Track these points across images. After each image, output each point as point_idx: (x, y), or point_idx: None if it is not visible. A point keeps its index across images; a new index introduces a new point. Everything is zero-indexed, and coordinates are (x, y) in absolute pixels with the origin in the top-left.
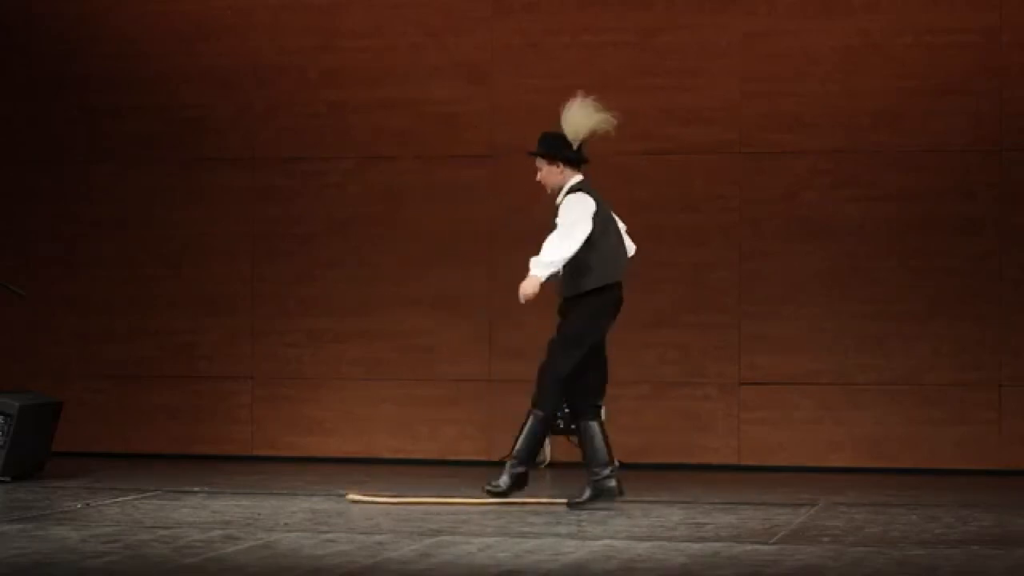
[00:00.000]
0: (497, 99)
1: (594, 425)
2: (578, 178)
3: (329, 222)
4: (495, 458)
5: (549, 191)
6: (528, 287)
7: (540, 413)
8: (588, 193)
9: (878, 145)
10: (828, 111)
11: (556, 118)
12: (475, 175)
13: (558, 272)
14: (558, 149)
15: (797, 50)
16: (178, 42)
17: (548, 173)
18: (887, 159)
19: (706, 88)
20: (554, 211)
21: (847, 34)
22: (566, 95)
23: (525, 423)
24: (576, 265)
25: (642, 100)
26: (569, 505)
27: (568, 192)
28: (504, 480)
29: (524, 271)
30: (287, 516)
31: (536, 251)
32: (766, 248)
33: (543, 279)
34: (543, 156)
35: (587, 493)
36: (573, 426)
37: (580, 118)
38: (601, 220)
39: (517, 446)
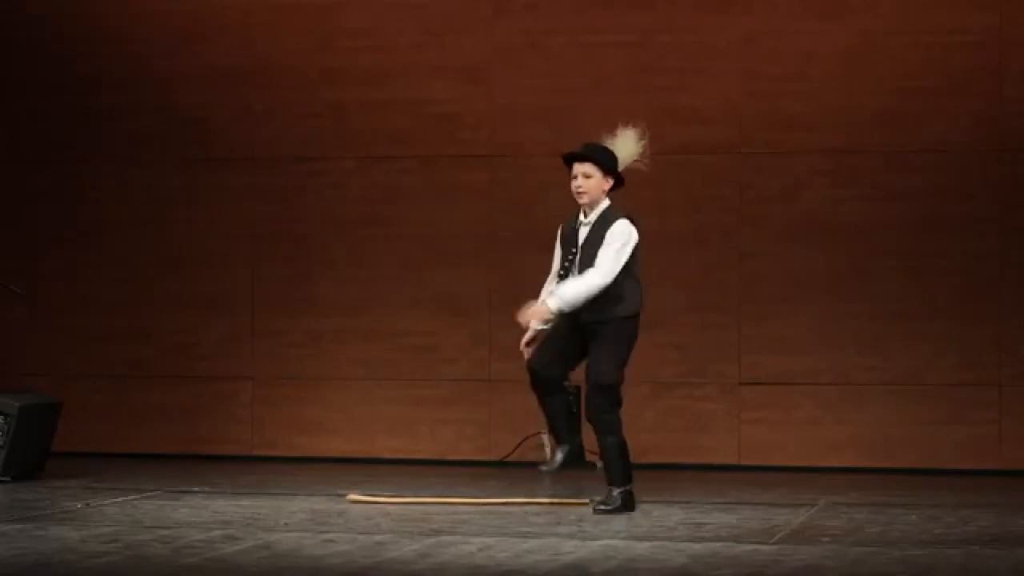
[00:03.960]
0: (497, 99)
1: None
2: (608, 202)
3: (329, 222)
4: (495, 458)
5: (587, 200)
6: (535, 315)
7: (612, 438)
8: (634, 224)
9: (878, 145)
10: (828, 111)
11: (556, 118)
12: (475, 175)
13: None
14: (614, 167)
15: (797, 50)
16: (178, 42)
17: (597, 184)
18: (887, 159)
19: (706, 88)
20: (595, 229)
21: (847, 34)
22: (566, 95)
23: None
24: (612, 291)
25: (642, 100)
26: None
27: (614, 215)
28: (615, 499)
29: (524, 271)
30: (287, 516)
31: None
32: (766, 248)
33: (553, 315)
34: (601, 166)
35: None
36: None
37: (630, 148)
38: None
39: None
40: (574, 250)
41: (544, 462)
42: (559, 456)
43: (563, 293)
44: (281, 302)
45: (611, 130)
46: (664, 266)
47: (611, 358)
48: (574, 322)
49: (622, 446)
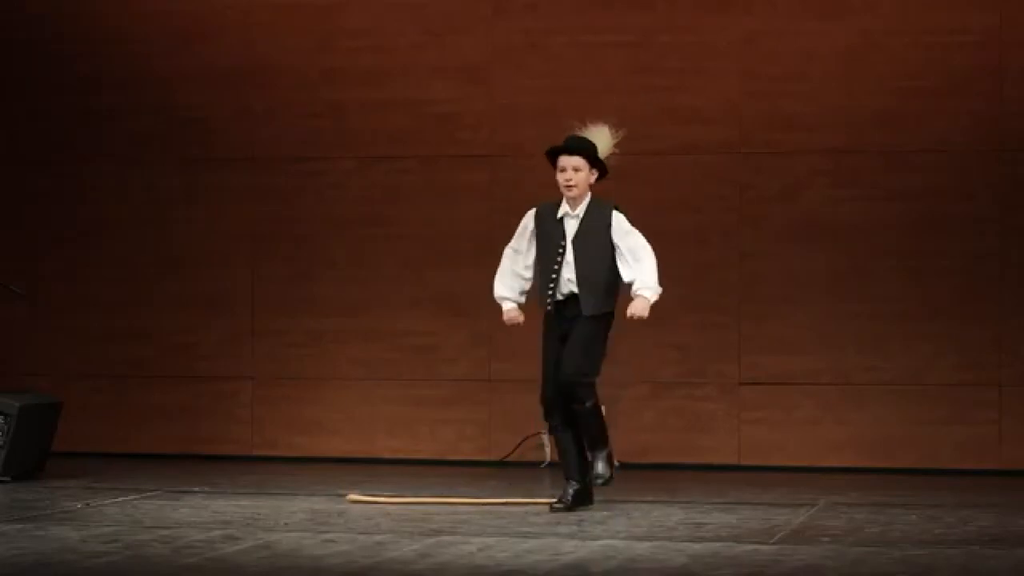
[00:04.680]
0: (497, 99)
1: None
2: (590, 194)
3: (329, 222)
4: (495, 458)
5: (576, 193)
6: (643, 311)
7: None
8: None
9: (878, 145)
10: (828, 111)
11: (556, 118)
12: (475, 175)
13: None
14: (599, 159)
15: (797, 50)
16: (178, 42)
17: (585, 177)
18: (887, 159)
19: (706, 88)
20: (587, 222)
21: (847, 34)
22: (566, 95)
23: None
24: (608, 283)
25: (642, 100)
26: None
27: (606, 207)
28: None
29: None
30: (287, 516)
31: None
32: (766, 248)
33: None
34: (589, 159)
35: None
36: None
37: (606, 140)
38: None
39: (593, 438)
40: (563, 243)
41: (557, 500)
42: (571, 492)
43: (651, 283)
44: (281, 302)
45: (583, 125)
46: (664, 266)
47: (587, 349)
48: (561, 328)
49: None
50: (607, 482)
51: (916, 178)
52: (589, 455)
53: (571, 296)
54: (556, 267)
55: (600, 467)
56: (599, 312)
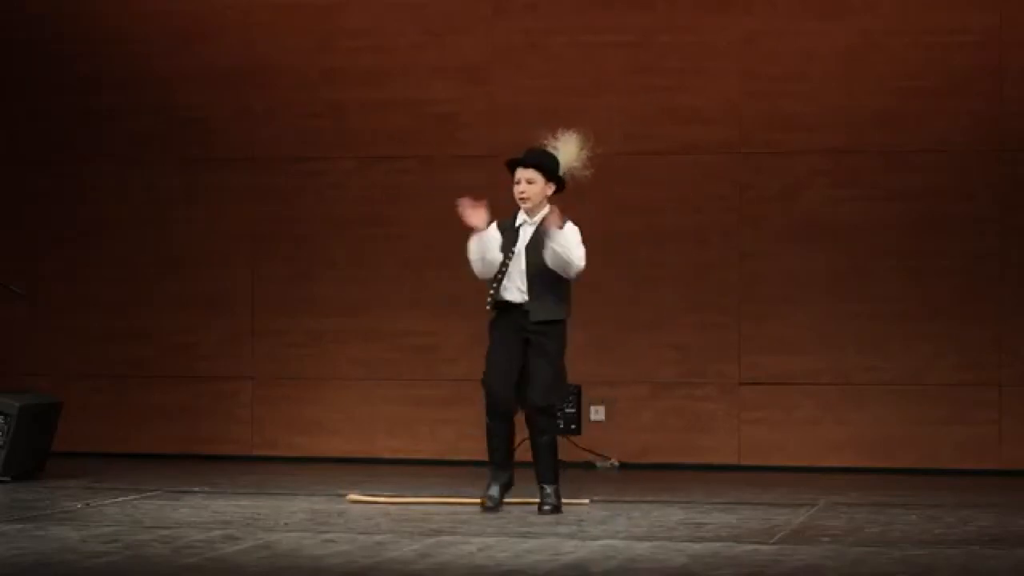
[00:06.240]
0: (497, 99)
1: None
2: (548, 207)
3: (329, 222)
4: None
5: (529, 205)
6: (556, 220)
7: (549, 437)
8: None
9: (878, 145)
10: (828, 111)
11: (556, 118)
12: (475, 175)
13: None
14: (557, 173)
15: (797, 50)
16: (178, 42)
17: (541, 190)
18: (887, 159)
19: (706, 88)
20: (540, 231)
21: (847, 34)
22: (566, 95)
23: (539, 448)
24: (559, 291)
25: (642, 100)
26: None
27: (558, 220)
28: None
29: None
30: (287, 516)
31: None
32: (766, 248)
33: (559, 230)
34: (544, 172)
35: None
36: (574, 426)
37: (572, 153)
38: None
39: (549, 472)
40: (513, 250)
41: (488, 499)
42: (496, 489)
43: (561, 240)
44: (281, 302)
45: (555, 133)
46: (664, 266)
47: (556, 377)
48: (519, 333)
49: (556, 444)
50: (556, 511)
51: (916, 178)
52: (542, 487)
53: (518, 305)
54: (504, 269)
55: (552, 496)
56: (549, 318)
